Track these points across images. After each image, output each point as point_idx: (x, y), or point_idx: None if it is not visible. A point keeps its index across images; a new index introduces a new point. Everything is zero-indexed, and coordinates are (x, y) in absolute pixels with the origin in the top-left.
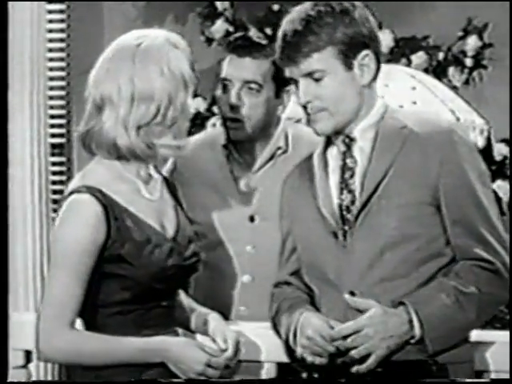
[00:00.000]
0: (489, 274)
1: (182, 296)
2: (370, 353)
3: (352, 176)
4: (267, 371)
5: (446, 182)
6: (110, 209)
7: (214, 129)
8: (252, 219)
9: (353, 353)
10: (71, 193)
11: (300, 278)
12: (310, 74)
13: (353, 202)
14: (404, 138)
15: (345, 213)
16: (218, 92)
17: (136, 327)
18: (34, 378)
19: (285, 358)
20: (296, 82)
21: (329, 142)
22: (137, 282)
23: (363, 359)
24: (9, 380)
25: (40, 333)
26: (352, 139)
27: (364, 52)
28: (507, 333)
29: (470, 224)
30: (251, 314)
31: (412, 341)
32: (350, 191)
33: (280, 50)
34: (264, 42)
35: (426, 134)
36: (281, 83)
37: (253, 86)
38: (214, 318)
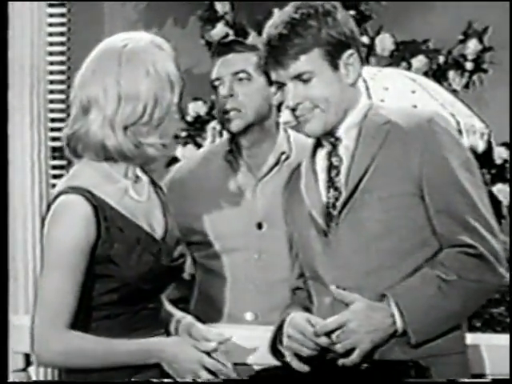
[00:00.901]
0: (473, 259)
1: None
2: (355, 347)
3: (338, 174)
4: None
5: (428, 172)
6: (100, 209)
7: (219, 140)
8: (260, 226)
9: (337, 347)
10: (59, 194)
11: (305, 280)
12: (298, 77)
13: (337, 199)
14: (386, 133)
15: (331, 210)
16: (214, 97)
17: (123, 331)
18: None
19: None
20: (282, 86)
21: (318, 144)
22: (125, 282)
23: (348, 353)
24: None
25: (36, 337)
26: (337, 138)
27: (348, 52)
28: (506, 336)
29: (454, 211)
30: (257, 320)
31: (398, 332)
32: (336, 189)
33: (266, 54)
34: (244, 40)
35: (406, 126)
36: None
37: (242, 75)
38: (191, 324)
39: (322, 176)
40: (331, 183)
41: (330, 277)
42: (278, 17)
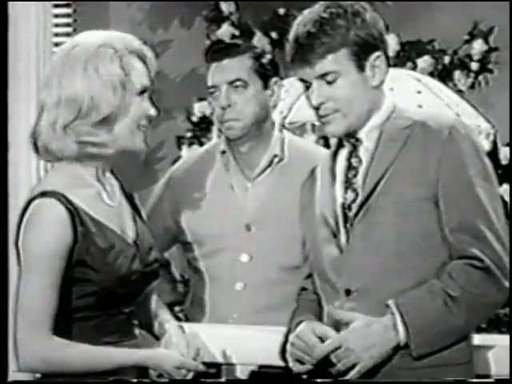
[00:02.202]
0: (480, 272)
1: (153, 300)
2: (355, 364)
3: (356, 175)
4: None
5: (445, 178)
6: (75, 213)
7: (215, 140)
8: (248, 228)
9: (338, 366)
10: (33, 199)
11: (313, 282)
12: (323, 76)
13: (354, 201)
14: (407, 137)
15: (347, 211)
16: (212, 102)
17: (97, 334)
18: None
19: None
20: (307, 84)
21: (339, 144)
22: (101, 287)
23: (349, 370)
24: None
25: (20, 342)
26: (358, 140)
27: (376, 53)
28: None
29: (466, 219)
30: (242, 321)
31: (401, 344)
32: (354, 190)
33: (292, 52)
34: (238, 41)
35: (427, 131)
36: (266, 75)
37: (238, 83)
38: (171, 328)
39: (340, 177)
40: (349, 184)
41: (340, 279)
42: (307, 14)
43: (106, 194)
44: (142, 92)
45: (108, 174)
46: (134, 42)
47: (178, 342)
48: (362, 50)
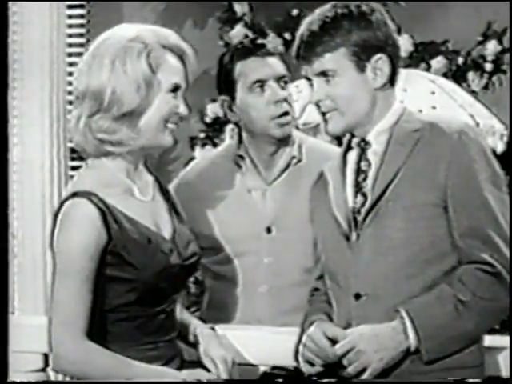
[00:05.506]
0: (491, 277)
1: (178, 309)
2: (366, 367)
3: (365, 179)
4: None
5: (454, 183)
6: (108, 212)
7: (229, 141)
8: (269, 230)
9: (349, 369)
10: (65, 200)
11: (325, 282)
12: (322, 74)
13: (363, 205)
14: (416, 141)
15: (356, 215)
16: (250, 98)
17: (139, 334)
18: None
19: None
20: (311, 82)
21: (349, 146)
22: (142, 282)
23: (360, 373)
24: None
25: (54, 344)
26: (367, 143)
27: (378, 55)
28: None
29: (475, 225)
30: (268, 323)
31: (411, 350)
32: (364, 194)
33: (296, 49)
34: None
35: (436, 135)
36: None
37: (285, 79)
38: (204, 337)
39: (349, 180)
40: (358, 188)
41: (349, 284)
42: (316, 14)
43: (137, 190)
44: (174, 90)
45: (141, 168)
46: (171, 37)
47: (216, 352)
48: (363, 51)
